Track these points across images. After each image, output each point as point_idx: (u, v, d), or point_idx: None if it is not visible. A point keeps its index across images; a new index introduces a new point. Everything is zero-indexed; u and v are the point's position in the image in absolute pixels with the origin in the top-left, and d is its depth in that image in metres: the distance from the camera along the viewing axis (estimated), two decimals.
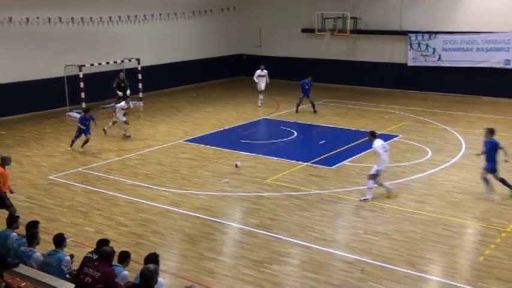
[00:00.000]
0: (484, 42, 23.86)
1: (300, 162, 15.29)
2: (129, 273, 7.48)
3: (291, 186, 13.51)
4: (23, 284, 7.10)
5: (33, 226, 8.32)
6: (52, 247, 8.00)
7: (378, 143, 12.52)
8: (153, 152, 16.70)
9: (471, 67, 24.26)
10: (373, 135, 12.70)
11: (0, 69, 20.64)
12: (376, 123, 19.87)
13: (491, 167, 12.38)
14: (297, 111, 21.53)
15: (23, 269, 7.57)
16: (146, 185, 13.73)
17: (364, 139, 17.43)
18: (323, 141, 17.89)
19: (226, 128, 19.62)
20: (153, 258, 7.07)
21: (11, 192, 11.19)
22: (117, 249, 7.60)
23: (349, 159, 15.42)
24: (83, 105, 21.65)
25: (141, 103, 23.62)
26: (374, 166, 12.53)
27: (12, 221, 8.76)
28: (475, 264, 9.61)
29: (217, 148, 16.89)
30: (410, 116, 20.97)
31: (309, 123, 20.16)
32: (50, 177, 14.43)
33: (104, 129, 18.52)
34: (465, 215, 11.69)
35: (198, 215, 11.79)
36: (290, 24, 28.59)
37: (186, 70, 27.59)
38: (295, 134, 18.59)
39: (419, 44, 25.31)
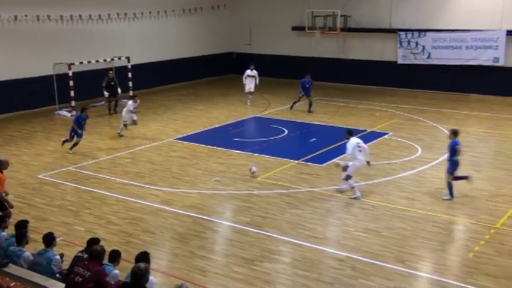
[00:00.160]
0: (473, 40, 24.02)
1: (291, 160, 15.31)
2: (120, 272, 7.46)
3: (282, 184, 13.52)
4: (13, 284, 7.04)
5: (22, 225, 8.27)
6: (42, 246, 7.96)
7: (352, 141, 12.57)
8: (143, 150, 16.65)
9: (460, 65, 24.44)
10: (349, 134, 12.80)
11: None
12: (366, 121, 19.95)
13: (452, 169, 12.37)
14: (291, 107, 21.57)
15: (12, 268, 7.52)
16: (137, 183, 13.69)
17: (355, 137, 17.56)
18: (314, 139, 17.93)
19: (217, 126, 19.60)
20: (144, 257, 7.05)
21: (6, 194, 11.07)
22: (108, 248, 7.57)
23: (339, 157, 15.43)
24: (73, 103, 21.56)
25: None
26: (349, 165, 12.54)
27: (1, 220, 8.70)
28: (464, 260, 9.68)
29: (208, 146, 16.88)
30: (401, 114, 21.06)
31: (299, 121, 20.19)
32: (40, 176, 14.34)
33: (119, 134, 18.17)
34: (454, 211, 11.77)
35: (189, 214, 11.78)
36: (280, 22, 28.60)
37: (177, 68, 27.51)
38: (286, 132, 18.61)
39: (409, 42, 25.43)
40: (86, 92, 22.56)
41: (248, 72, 22.71)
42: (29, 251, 8.01)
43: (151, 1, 25.90)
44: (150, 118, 20.95)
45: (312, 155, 15.85)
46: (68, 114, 21.39)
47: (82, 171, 14.71)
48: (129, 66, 23.78)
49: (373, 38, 26.46)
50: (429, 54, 25.10)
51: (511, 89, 23.56)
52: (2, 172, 10.53)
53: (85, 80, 22.28)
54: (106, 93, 21.39)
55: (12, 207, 10.60)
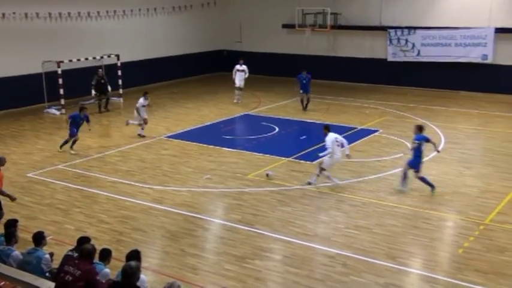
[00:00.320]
0: (462, 38, 24.16)
1: (282, 158, 15.32)
2: (111, 270, 7.43)
3: (273, 181, 13.52)
4: (2, 283, 7.00)
5: (11, 224, 8.22)
6: (31, 245, 7.90)
7: (330, 137, 12.77)
8: (134, 148, 16.58)
9: (450, 62, 24.57)
10: (326, 129, 13.01)
11: None
12: (356, 118, 20.01)
13: (414, 164, 12.49)
14: (304, 108, 21.04)
15: (1, 268, 7.45)
16: (127, 181, 13.64)
17: (345, 134, 17.60)
18: (304, 137, 17.96)
19: (208, 124, 19.57)
20: (134, 255, 7.02)
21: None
22: (98, 247, 7.54)
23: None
24: (62, 101, 21.41)
25: (121, 99, 23.41)
26: (325, 159, 12.79)
27: None
28: (454, 256, 9.74)
29: (199, 144, 16.85)
30: (391, 111, 21.15)
31: (290, 118, 20.21)
32: (29, 174, 14.24)
33: (139, 135, 17.72)
34: (444, 208, 11.85)
35: (180, 212, 11.75)
36: (271, 19, 28.60)
37: (167, 66, 27.42)
38: (277, 129, 18.62)
39: (398, 39, 25.52)
40: (76, 90, 22.44)
41: (237, 67, 22.56)
42: (18, 250, 7.96)
43: None
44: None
45: (303, 152, 15.87)
46: (57, 113, 21.27)
47: (72, 169, 14.63)
48: (119, 64, 23.67)
49: (363, 36, 26.53)
50: (419, 51, 25.21)
51: (499, 86, 23.73)
52: None
53: (74, 78, 22.15)
54: (93, 92, 21.26)
55: (15, 199, 10.63)
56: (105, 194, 12.84)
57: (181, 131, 18.51)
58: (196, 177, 13.91)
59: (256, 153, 15.82)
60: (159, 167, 14.76)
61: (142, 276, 6.57)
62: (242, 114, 21.12)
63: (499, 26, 23.23)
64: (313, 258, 9.73)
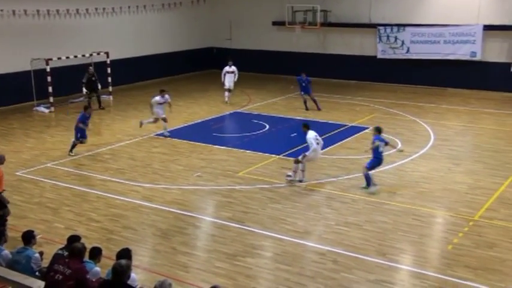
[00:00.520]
0: (451, 35, 24.29)
1: (272, 155, 15.33)
2: (101, 269, 7.41)
3: (264, 179, 13.54)
4: None
5: (0, 223, 8.16)
6: (21, 244, 7.86)
7: (311, 134, 12.95)
8: (124, 146, 16.52)
9: (439, 59, 24.70)
10: (305, 127, 13.16)
11: None
12: (346, 115, 20.07)
13: (371, 163, 12.60)
14: (306, 109, 20.81)
15: None
16: (117, 180, 13.58)
17: (335, 131, 17.67)
18: (294, 134, 17.96)
19: (198, 121, 19.53)
20: (125, 254, 7.02)
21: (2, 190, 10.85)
22: (88, 245, 7.52)
23: (320, 152, 15.50)
24: (51, 99, 21.25)
25: (111, 97, 23.30)
26: (306, 154, 13.03)
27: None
28: (444, 252, 9.82)
29: (189, 142, 16.81)
30: (380, 108, 21.23)
31: (280, 116, 20.22)
32: (18, 173, 14.13)
33: (141, 123, 17.39)
34: (434, 204, 11.92)
35: (171, 210, 11.73)
36: (260, 17, 28.57)
37: (156, 63, 27.32)
38: (267, 127, 18.63)
39: (388, 36, 25.60)
40: (65, 88, 22.30)
41: (226, 68, 22.13)
42: (7, 250, 7.91)
43: None
44: (131, 114, 20.79)
45: (293, 149, 15.88)
46: (46, 111, 21.14)
47: (62, 168, 14.55)
48: (108, 62, 23.54)
49: (352, 33, 26.59)
50: (408, 48, 25.32)
51: (487, 83, 23.90)
52: None
53: (63, 76, 22.03)
54: (84, 90, 21.12)
55: (8, 202, 10.29)
56: (95, 192, 12.79)
57: (172, 128, 18.42)
58: (186, 175, 13.89)
59: (246, 151, 15.82)
60: (149, 165, 14.72)
61: (132, 274, 6.55)
62: (232, 112, 21.10)
63: (488, 23, 23.39)
64: (304, 255, 9.76)
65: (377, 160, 12.64)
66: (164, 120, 17.35)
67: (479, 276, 8.94)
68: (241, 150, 15.94)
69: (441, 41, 24.53)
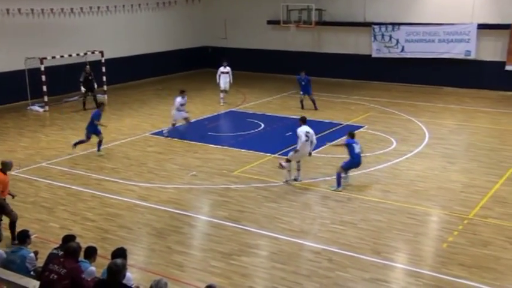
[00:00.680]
0: (445, 34, 24.35)
1: (267, 154, 15.34)
2: (96, 268, 7.39)
3: (259, 178, 13.54)
4: None
5: None
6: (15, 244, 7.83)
7: (302, 128, 12.93)
8: (119, 145, 16.48)
9: (433, 58, 24.76)
10: (301, 121, 13.22)
11: None
12: (342, 114, 20.10)
13: (345, 163, 12.67)
14: (302, 107, 20.58)
15: None
16: (112, 179, 13.56)
17: (330, 130, 17.70)
18: (290, 133, 17.96)
19: (193, 120, 19.49)
20: (120, 253, 7.01)
21: (13, 196, 10.79)
22: (84, 245, 7.50)
23: (315, 151, 15.50)
24: (45, 98, 21.17)
25: (106, 96, 23.24)
26: (291, 152, 13.09)
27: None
28: (438, 251, 9.85)
29: (185, 141, 16.79)
30: (376, 107, 21.27)
31: (275, 115, 20.22)
32: (12, 172, 13.99)
33: (164, 134, 17.11)
34: (429, 203, 11.95)
35: (166, 209, 11.72)
36: (255, 16, 28.57)
37: (151, 62, 27.29)
38: (262, 126, 18.63)
39: (382, 35, 25.65)
40: (59, 87, 22.24)
41: (221, 69, 21.84)
42: (2, 249, 7.88)
43: None
44: (126, 113, 20.75)
45: (288, 148, 15.88)
46: (41, 110, 21.06)
47: (56, 167, 14.50)
48: (103, 61, 23.48)
49: (347, 32, 26.62)
50: (403, 47, 25.37)
51: (482, 81, 23.99)
52: (5, 174, 10.13)
53: (58, 75, 21.95)
54: (83, 89, 21.03)
55: (11, 212, 10.10)
56: (90, 191, 12.76)
57: (167, 127, 18.41)
58: (182, 174, 13.88)
59: (241, 150, 15.82)
60: (144, 164, 14.69)
61: (128, 274, 6.55)
62: (227, 110, 21.09)
63: (482, 22, 23.46)
64: (299, 254, 9.77)
65: (353, 161, 12.67)
66: (187, 120, 17.19)
67: (473, 274, 8.97)
68: (237, 149, 15.93)
69: (436, 39, 24.59)
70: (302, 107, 20.71)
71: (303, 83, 20.67)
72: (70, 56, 22.39)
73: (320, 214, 11.46)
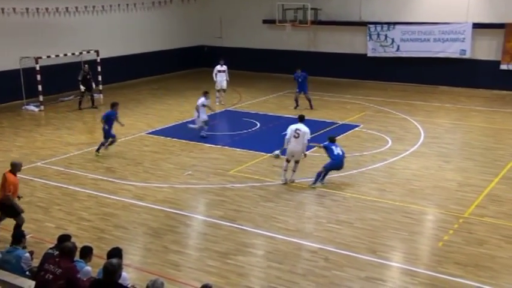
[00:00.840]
0: (440, 33, 24.41)
1: (263, 153, 15.33)
2: (92, 268, 7.38)
3: (255, 177, 13.54)
4: None
5: None
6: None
7: (293, 126, 12.96)
8: (114, 145, 16.41)
9: (428, 57, 24.81)
10: (298, 118, 13.27)
11: None
12: (337, 113, 20.12)
13: (328, 164, 12.77)
14: (296, 106, 20.52)
15: None
16: (108, 178, 13.53)
17: (326, 129, 17.71)
18: (286, 132, 17.97)
19: (189, 120, 19.47)
20: (116, 253, 6.99)
21: (19, 198, 10.75)
22: (79, 245, 7.48)
23: (311, 150, 15.54)
24: (41, 98, 21.09)
25: (101, 96, 23.19)
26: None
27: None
28: (434, 249, 9.87)
29: (180, 140, 16.78)
30: (371, 106, 21.30)
31: (271, 114, 20.22)
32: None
33: (202, 136, 16.83)
34: (424, 202, 11.99)
35: (162, 208, 11.70)
36: (251, 15, 28.56)
37: (147, 62, 27.23)
38: (258, 125, 18.63)
39: (378, 34, 25.68)
40: (55, 87, 22.18)
41: (218, 67, 21.66)
42: None
43: None
44: (121, 112, 20.41)
45: (284, 147, 15.88)
46: (36, 109, 21.00)
47: (52, 167, 14.46)
48: (98, 60, 23.42)
49: (343, 31, 26.65)
50: (398, 46, 25.41)
51: (477, 80, 24.06)
52: (15, 175, 10.03)
53: (53, 74, 21.88)
54: (82, 87, 20.96)
55: (22, 211, 10.08)
56: (86, 191, 12.73)
57: (163, 127, 18.41)
58: (177, 174, 13.86)
59: (237, 149, 15.81)
60: (140, 164, 14.67)
61: (124, 273, 6.54)
62: (223, 110, 21.07)
63: (477, 21, 23.53)
64: (296, 253, 9.78)
65: (333, 162, 12.72)
66: (206, 123, 16.95)
67: (469, 273, 9.00)
68: (233, 148, 15.93)
69: (431, 39, 24.65)
70: (296, 106, 20.65)
71: (300, 80, 20.56)
72: (65, 55, 22.33)
73: (316, 213, 11.47)
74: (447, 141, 16.56)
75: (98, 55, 23.36)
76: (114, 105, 15.52)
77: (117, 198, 12.30)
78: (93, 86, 21.48)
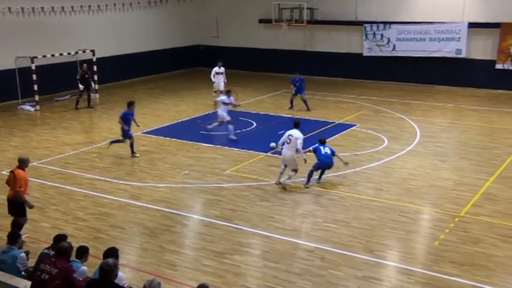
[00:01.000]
0: (436, 32, 24.45)
1: (260, 153, 15.33)
2: (88, 268, 7.36)
3: (251, 176, 13.54)
4: None
5: None
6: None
7: (288, 131, 13.01)
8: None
9: (424, 57, 24.86)
10: (294, 124, 13.26)
11: None
12: (334, 112, 20.13)
13: (316, 164, 12.85)
14: (290, 107, 20.44)
15: None
16: (104, 178, 13.51)
17: (322, 129, 17.73)
18: (282, 132, 17.93)
19: (185, 119, 19.47)
20: (112, 253, 6.98)
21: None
22: (75, 245, 7.47)
23: (308, 149, 15.55)
24: (36, 97, 21.04)
25: (97, 95, 23.13)
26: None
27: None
28: (430, 248, 9.90)
29: (177, 140, 16.76)
30: (367, 106, 21.32)
31: (268, 113, 20.22)
32: (3, 172, 13.96)
33: (206, 127, 16.83)
34: (420, 201, 12.01)
35: (158, 208, 11.69)
36: (247, 14, 28.55)
37: (143, 61, 27.18)
38: (255, 124, 18.63)
39: (374, 34, 25.71)
40: (50, 86, 22.12)
41: (216, 69, 21.40)
42: None
43: None
44: (117, 112, 20.43)
45: (281, 147, 15.88)
46: (32, 109, 20.94)
47: (48, 166, 14.43)
48: (94, 60, 23.37)
49: (339, 31, 26.66)
50: (394, 46, 25.44)
51: (472, 80, 24.11)
52: (24, 170, 9.93)
53: (49, 74, 21.83)
54: (81, 86, 20.90)
55: (32, 207, 10.09)
56: (82, 191, 12.70)
57: (159, 126, 18.38)
58: (174, 173, 13.85)
59: (234, 149, 15.81)
60: (136, 163, 14.65)
61: (120, 273, 6.53)
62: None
63: (472, 20, 23.57)
64: (292, 253, 9.78)
65: (320, 162, 12.79)
66: (230, 123, 16.69)
67: (465, 271, 9.03)
68: (229, 148, 15.92)
69: (427, 38, 24.68)
70: (291, 107, 20.58)
71: (297, 84, 20.45)
72: (61, 54, 22.28)
73: (312, 212, 11.48)
74: (443, 141, 16.60)
75: (93, 55, 23.32)
76: (130, 105, 15.29)
77: (114, 198, 12.28)
78: (92, 85, 21.43)
